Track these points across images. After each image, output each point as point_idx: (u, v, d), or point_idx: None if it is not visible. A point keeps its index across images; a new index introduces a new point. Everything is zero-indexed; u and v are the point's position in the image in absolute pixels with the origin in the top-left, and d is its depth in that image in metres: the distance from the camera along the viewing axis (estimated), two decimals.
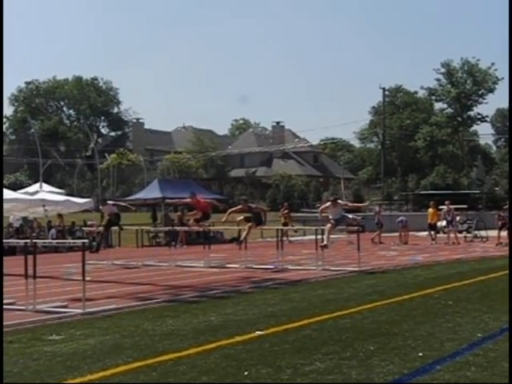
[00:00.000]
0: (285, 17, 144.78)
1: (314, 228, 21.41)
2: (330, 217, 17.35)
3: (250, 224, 17.86)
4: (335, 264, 18.30)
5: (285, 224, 31.78)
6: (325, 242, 16.91)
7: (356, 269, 16.97)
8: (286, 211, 33.24)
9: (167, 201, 29.43)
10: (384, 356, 6.90)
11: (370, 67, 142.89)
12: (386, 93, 70.81)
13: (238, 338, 8.06)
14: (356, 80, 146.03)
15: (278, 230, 20.33)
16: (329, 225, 17.03)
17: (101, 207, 22.18)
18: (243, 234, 18.35)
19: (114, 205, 21.29)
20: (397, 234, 30.71)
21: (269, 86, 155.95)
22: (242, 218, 18.22)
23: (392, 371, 6.28)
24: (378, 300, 11.33)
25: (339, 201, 18.05)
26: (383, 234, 30.49)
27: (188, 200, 18.98)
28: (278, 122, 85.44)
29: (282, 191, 65.72)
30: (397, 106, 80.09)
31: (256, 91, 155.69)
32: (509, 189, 34.57)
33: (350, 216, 18.73)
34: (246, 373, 6.31)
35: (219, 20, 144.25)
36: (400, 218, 31.28)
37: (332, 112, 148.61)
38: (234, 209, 18.31)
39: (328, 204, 17.71)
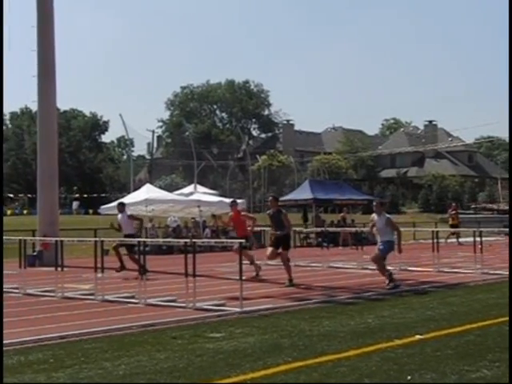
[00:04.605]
0: (440, 13, 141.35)
1: (471, 230, 20.76)
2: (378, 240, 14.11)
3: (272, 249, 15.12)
4: (495, 267, 17.53)
5: (453, 226, 30.64)
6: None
7: None
8: (454, 212, 32.08)
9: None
10: None
11: None
12: None
13: (398, 342, 7.89)
14: None
15: (432, 231, 19.87)
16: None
17: (119, 216, 17.77)
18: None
19: (131, 218, 17.85)
20: None
21: (420, 85, 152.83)
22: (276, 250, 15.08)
23: None
24: None
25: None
26: None
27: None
28: (430, 121, 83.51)
29: (434, 192, 64.11)
30: None
31: (407, 90, 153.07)
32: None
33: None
34: (409, 377, 6.15)
35: (370, 19, 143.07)
36: None
37: (488, 109, 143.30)
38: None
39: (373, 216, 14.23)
